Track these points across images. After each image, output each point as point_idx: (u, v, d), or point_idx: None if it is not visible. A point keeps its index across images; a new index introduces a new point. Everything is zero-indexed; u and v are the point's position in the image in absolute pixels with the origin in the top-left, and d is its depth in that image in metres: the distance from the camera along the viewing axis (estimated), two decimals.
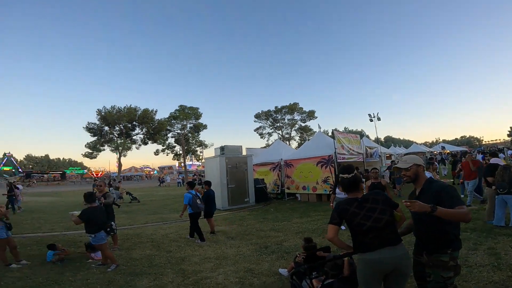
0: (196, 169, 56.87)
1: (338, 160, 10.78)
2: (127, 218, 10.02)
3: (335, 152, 10.81)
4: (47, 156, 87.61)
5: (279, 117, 49.45)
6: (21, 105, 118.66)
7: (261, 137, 51.10)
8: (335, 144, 10.96)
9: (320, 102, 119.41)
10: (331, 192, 8.41)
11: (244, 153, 12.81)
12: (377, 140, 30.43)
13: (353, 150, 12.14)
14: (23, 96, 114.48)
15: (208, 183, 7.58)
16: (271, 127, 50.65)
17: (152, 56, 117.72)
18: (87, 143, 39.25)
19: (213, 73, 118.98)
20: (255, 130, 50.88)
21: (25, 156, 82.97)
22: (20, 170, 60.19)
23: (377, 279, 2.04)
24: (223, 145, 11.72)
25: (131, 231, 7.75)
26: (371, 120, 30.00)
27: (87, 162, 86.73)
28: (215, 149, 12.46)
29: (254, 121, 50.62)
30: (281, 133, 49.51)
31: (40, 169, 70.92)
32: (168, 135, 43.78)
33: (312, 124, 50.40)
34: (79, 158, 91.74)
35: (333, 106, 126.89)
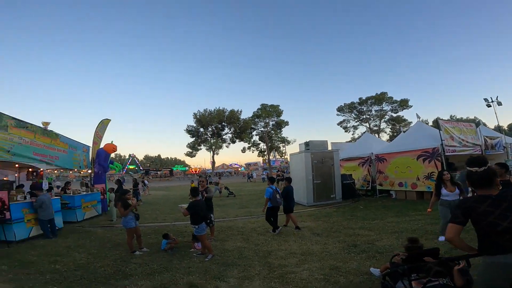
0: (280, 165, 58.13)
1: (447, 153, 9.20)
2: (221, 211, 10.75)
3: (441, 144, 9.25)
4: (159, 156, 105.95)
5: (364, 109, 45.59)
6: (141, 114, 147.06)
7: (345, 131, 48.32)
8: (442, 134, 9.36)
9: (413, 90, 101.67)
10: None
11: (329, 148, 12.36)
12: (498, 129, 24.49)
13: (467, 141, 10.10)
14: (142, 105, 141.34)
15: (288, 179, 7.70)
16: (356, 120, 47.20)
17: (235, 57, 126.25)
18: (188, 143, 45.63)
19: (292, 69, 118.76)
20: (338, 124, 48.45)
21: (144, 156, 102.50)
22: (141, 168, 74.21)
23: (506, 285, 1.75)
24: (307, 140, 11.59)
25: (224, 224, 8.23)
26: (489, 106, 24.37)
27: (188, 160, 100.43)
28: (299, 144, 12.45)
29: (337, 115, 48.18)
30: (368, 126, 45.52)
31: (155, 167, 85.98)
32: (253, 133, 46.33)
33: (405, 114, 44.54)
34: (182, 157, 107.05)
35: (431, 93, 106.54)
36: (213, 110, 44.02)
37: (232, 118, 43.81)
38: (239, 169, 76.30)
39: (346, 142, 24.30)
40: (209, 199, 6.71)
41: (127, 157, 78.33)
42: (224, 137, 46.15)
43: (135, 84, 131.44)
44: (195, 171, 67.68)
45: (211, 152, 44.58)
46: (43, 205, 6.90)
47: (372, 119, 46.10)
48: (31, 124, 8.02)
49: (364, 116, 46.19)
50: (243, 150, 47.16)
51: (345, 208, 9.90)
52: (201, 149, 45.86)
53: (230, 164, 79.16)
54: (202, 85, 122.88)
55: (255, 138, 46.77)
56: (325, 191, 11.15)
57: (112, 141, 12.01)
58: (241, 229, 7.47)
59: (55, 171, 11.50)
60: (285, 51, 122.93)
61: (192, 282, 4.02)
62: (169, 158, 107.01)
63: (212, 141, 44.13)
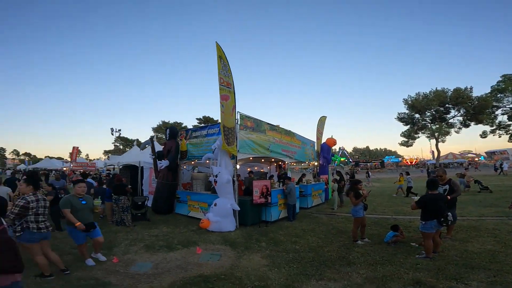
0: None
1: None
2: (457, 209, 9.03)
3: None
4: (367, 147, 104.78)
5: None
6: (348, 107, 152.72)
7: None
8: None
9: None
10: None
11: None
12: None
13: None
14: (348, 98, 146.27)
15: None
16: None
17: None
18: (402, 132, 41.17)
19: None
20: None
21: (353, 148, 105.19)
22: (350, 160, 76.51)
23: None
24: None
25: (464, 223, 7.09)
26: None
27: (400, 150, 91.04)
28: None
29: None
30: None
31: (364, 158, 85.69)
32: (497, 113, 34.02)
33: None
34: (393, 147, 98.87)
35: None
36: (428, 92, 36.88)
37: (459, 97, 34.45)
38: (476, 159, 58.40)
39: None
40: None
41: (337, 150, 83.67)
42: (450, 121, 37.36)
43: (342, 78, 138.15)
44: (411, 162, 59.95)
45: (434, 139, 37.52)
46: (291, 192, 8.38)
47: None
48: (278, 126, 10.32)
49: None
50: (483, 135, 35.76)
51: None
52: (418, 137, 39.99)
53: (461, 153, 62.40)
54: (413, 66, 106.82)
55: (502, 118, 33.99)
56: None
57: (331, 136, 13.28)
58: (493, 230, 6.31)
59: (293, 163, 14.43)
60: None
61: (419, 279, 3.77)
62: (378, 149, 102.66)
63: (434, 127, 37.00)
